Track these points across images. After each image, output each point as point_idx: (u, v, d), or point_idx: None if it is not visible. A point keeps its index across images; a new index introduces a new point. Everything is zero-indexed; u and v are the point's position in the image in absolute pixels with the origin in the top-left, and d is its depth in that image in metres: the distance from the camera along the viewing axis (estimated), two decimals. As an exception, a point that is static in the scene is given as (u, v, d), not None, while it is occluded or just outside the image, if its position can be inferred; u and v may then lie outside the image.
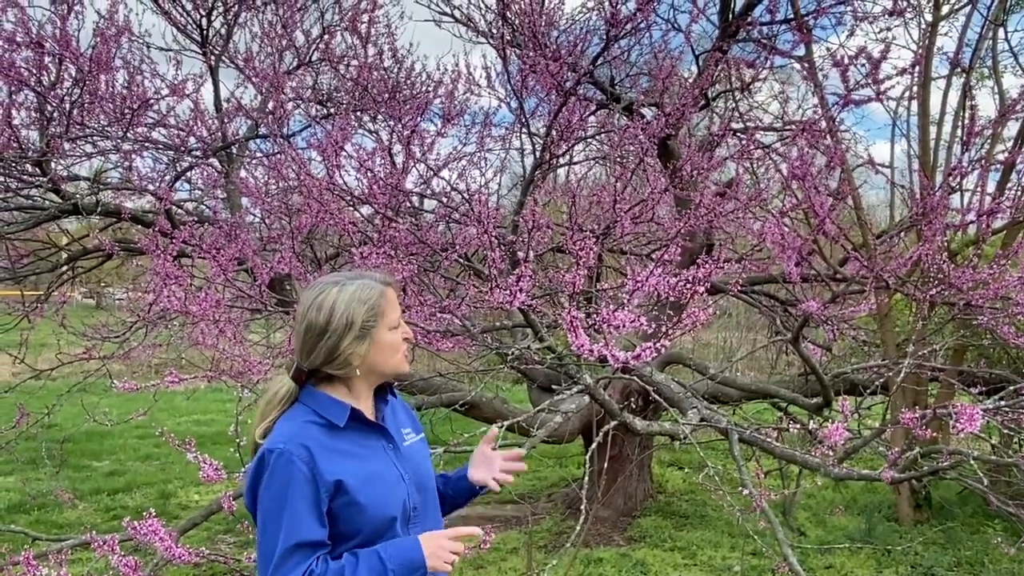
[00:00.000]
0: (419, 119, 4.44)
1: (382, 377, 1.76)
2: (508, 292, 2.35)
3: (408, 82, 5.88)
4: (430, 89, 5.79)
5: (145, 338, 5.99)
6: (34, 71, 4.86)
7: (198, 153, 5.73)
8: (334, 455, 1.62)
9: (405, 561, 1.57)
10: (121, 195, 6.17)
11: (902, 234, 5.25)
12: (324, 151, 3.93)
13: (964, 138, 4.57)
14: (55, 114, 5.01)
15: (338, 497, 1.59)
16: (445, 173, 4.79)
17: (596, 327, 2.24)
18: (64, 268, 6.61)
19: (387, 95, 5.22)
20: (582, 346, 2.18)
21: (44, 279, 6.87)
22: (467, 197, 4.11)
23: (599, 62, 4.79)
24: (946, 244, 4.92)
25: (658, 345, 2.14)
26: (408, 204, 4.85)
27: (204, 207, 6.31)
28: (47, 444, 6.81)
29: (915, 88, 5.96)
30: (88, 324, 5.91)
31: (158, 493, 7.46)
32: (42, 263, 6.47)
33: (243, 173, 5.96)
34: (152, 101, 5.33)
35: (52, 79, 5.00)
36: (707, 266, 2.28)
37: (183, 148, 5.66)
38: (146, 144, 5.57)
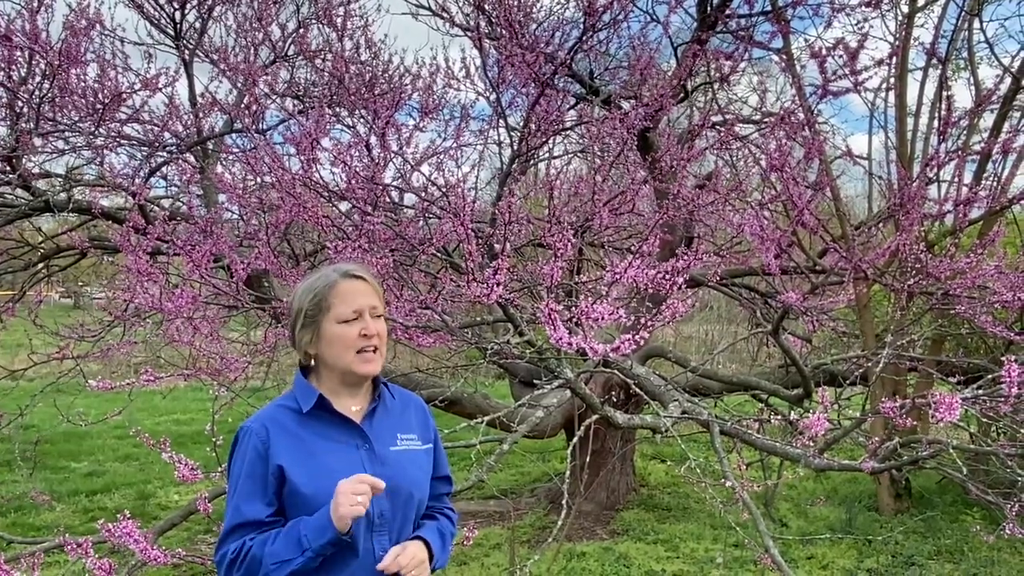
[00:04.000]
0: (395, 111, 4.38)
1: (342, 374, 1.70)
2: (485, 285, 2.32)
3: (385, 75, 5.82)
4: (408, 82, 5.73)
5: (123, 336, 5.91)
6: (3, 66, 4.76)
7: (173, 149, 5.64)
8: (291, 440, 1.63)
9: (316, 526, 1.52)
10: (96, 192, 6.07)
11: (880, 225, 5.28)
12: (300, 145, 3.87)
13: (941, 129, 4.60)
14: (25, 109, 4.91)
15: (284, 484, 1.61)
16: (424, 168, 4.75)
17: (576, 320, 2.22)
18: (39, 266, 6.50)
19: (364, 88, 5.15)
20: (561, 339, 2.16)
21: (20, 278, 6.75)
22: (444, 190, 4.08)
23: (577, 52, 4.76)
24: (924, 234, 4.94)
25: (637, 337, 2.12)
26: (387, 199, 4.80)
27: (180, 203, 6.21)
28: (21, 445, 6.71)
29: (892, 79, 5.98)
30: (63, 323, 5.82)
31: (137, 494, 7.37)
32: (15, 262, 6.36)
33: (219, 169, 5.87)
34: (125, 95, 5.23)
35: (22, 74, 4.90)
36: (686, 258, 2.27)
37: (157, 144, 5.57)
38: (119, 140, 5.47)
